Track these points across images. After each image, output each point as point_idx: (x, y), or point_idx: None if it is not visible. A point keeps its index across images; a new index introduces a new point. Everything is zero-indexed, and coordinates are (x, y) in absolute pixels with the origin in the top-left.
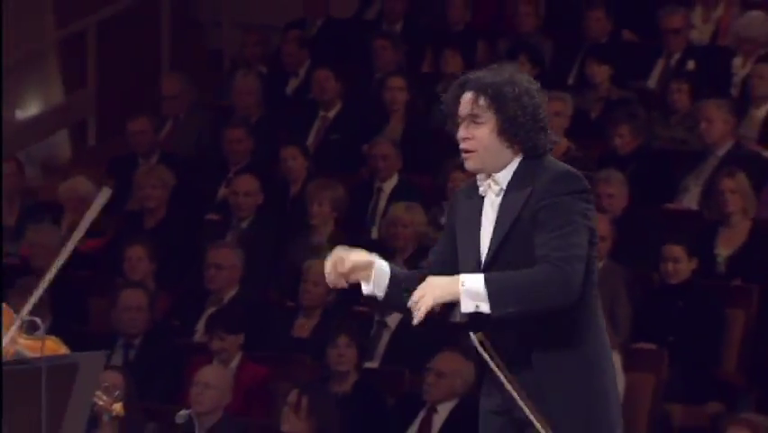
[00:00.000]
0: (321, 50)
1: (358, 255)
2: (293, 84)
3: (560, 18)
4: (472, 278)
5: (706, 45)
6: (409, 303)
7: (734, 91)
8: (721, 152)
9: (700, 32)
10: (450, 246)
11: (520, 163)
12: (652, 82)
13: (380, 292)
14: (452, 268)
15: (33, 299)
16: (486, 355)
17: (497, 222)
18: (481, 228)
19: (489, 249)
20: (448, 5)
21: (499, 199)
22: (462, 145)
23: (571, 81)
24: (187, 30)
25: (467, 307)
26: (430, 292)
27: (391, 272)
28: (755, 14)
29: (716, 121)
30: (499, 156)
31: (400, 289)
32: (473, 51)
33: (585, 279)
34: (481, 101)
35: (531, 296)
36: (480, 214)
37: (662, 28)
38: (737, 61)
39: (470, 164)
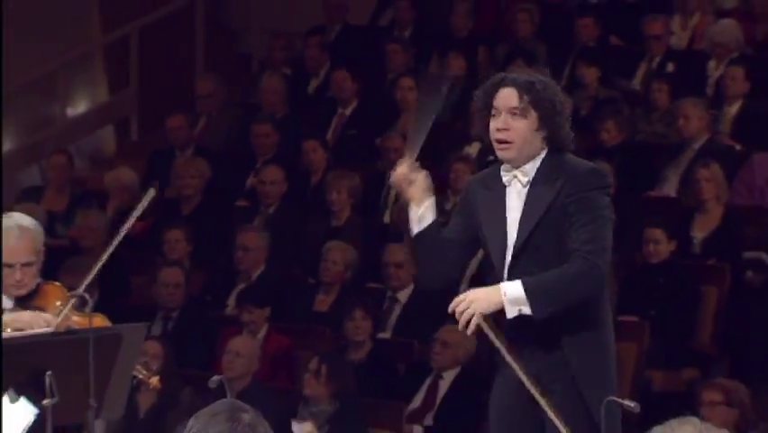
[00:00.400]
0: (339, 53)
1: (426, 183)
2: (314, 84)
3: (553, 25)
4: (512, 286)
5: (684, 49)
6: (450, 308)
7: (708, 91)
8: (697, 145)
9: (679, 38)
10: (462, 227)
11: (545, 157)
12: (635, 83)
13: (422, 225)
14: (461, 246)
15: (88, 280)
16: (491, 335)
17: (525, 210)
18: (507, 215)
19: (519, 235)
20: (453, 14)
21: (527, 189)
22: (499, 135)
23: (563, 82)
24: (220, 35)
25: (511, 313)
26: (475, 305)
27: (436, 220)
28: (727, 22)
29: (692, 117)
30: (531, 149)
31: (435, 236)
32: (475, 55)
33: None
34: (523, 97)
35: (567, 292)
36: (504, 203)
37: (644, 34)
38: (712, 64)
39: (506, 154)
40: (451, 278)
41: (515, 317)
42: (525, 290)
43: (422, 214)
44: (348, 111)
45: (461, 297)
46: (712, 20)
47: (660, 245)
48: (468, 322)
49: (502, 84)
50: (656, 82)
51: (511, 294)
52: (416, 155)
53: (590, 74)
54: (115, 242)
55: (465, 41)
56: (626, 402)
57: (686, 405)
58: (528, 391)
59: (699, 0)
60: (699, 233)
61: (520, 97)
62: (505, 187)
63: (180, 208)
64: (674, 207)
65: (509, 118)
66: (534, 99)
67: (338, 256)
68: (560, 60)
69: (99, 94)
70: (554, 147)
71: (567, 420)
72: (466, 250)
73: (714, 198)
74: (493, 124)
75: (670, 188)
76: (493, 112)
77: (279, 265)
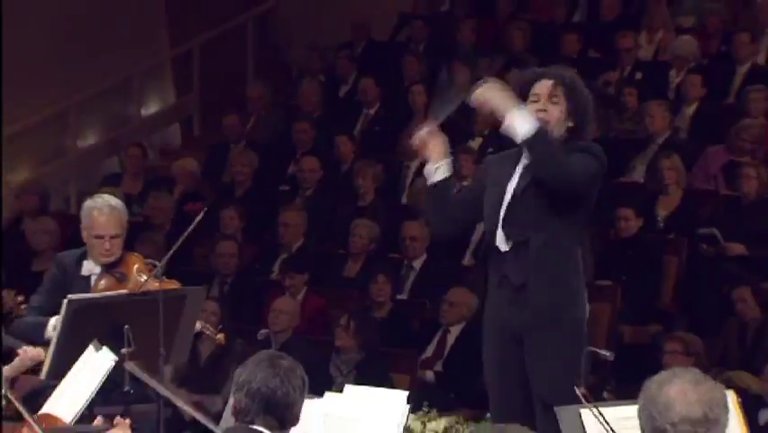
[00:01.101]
0: (365, 64)
1: (444, 144)
2: (344, 89)
3: (542, 40)
4: (523, 113)
5: (649, 60)
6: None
7: (670, 94)
8: (661, 139)
9: (646, 51)
10: (471, 191)
11: (568, 139)
12: (610, 88)
13: (437, 177)
14: (468, 204)
15: (170, 253)
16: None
17: (521, 178)
18: (509, 183)
19: (517, 186)
20: (459, 31)
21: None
22: (539, 116)
23: None
24: (266, 49)
25: (512, 120)
26: (490, 92)
27: (449, 176)
28: (686, 38)
29: (657, 116)
30: (558, 130)
31: (449, 189)
32: (477, 65)
33: (582, 225)
34: (559, 88)
35: (556, 161)
36: (512, 174)
37: (617, 47)
38: (673, 72)
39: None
40: (458, 228)
41: (499, 281)
42: (537, 130)
43: (437, 169)
44: (372, 111)
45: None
46: (673, 36)
47: (630, 222)
48: (480, 95)
49: (542, 76)
50: (627, 87)
51: (520, 113)
52: (437, 123)
53: None
54: (189, 229)
55: (469, 54)
56: (602, 351)
57: (651, 355)
58: (512, 341)
59: (662, 19)
60: (662, 212)
61: (556, 88)
62: (516, 164)
63: (234, 192)
64: (641, 191)
65: (548, 104)
66: (569, 91)
67: (364, 231)
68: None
69: (167, 97)
70: (576, 136)
71: (550, 363)
72: (472, 210)
73: (675, 183)
74: (533, 107)
75: (638, 175)
76: (534, 98)
77: (315, 239)
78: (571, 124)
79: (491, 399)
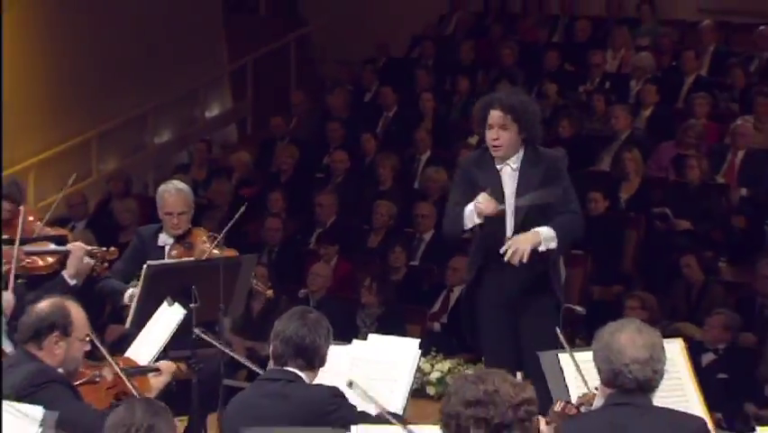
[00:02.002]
0: (384, 76)
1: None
2: (368, 96)
3: (527, 57)
4: (545, 229)
5: (614, 73)
6: (506, 254)
7: (631, 100)
8: (623, 136)
9: (611, 65)
10: (465, 197)
11: (525, 151)
12: (582, 95)
13: (472, 224)
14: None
15: (226, 228)
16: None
17: (519, 187)
18: (505, 189)
19: (521, 209)
20: (460, 50)
21: (517, 174)
22: (494, 143)
23: (534, 94)
24: (306, 64)
25: (544, 247)
26: (523, 246)
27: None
28: (644, 54)
29: (620, 118)
30: (514, 147)
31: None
32: (476, 77)
33: None
34: (508, 116)
35: (575, 231)
36: (501, 182)
37: (588, 63)
38: (633, 82)
39: (498, 153)
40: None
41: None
42: (556, 233)
43: (478, 222)
44: (390, 114)
45: (510, 243)
46: (633, 53)
47: (598, 203)
48: (521, 257)
49: (493, 105)
50: (596, 94)
51: (546, 235)
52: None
53: (552, 89)
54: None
55: (468, 68)
56: (577, 308)
57: (615, 310)
58: (505, 306)
59: (624, 39)
60: (624, 195)
61: (505, 116)
62: (498, 170)
63: (279, 178)
64: (608, 178)
65: (500, 131)
66: (516, 118)
67: (384, 210)
68: (532, 81)
69: (226, 103)
70: (531, 144)
71: (541, 317)
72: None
73: (634, 172)
74: (489, 135)
75: (605, 165)
76: (488, 126)
77: (345, 217)
78: (524, 136)
79: (485, 351)
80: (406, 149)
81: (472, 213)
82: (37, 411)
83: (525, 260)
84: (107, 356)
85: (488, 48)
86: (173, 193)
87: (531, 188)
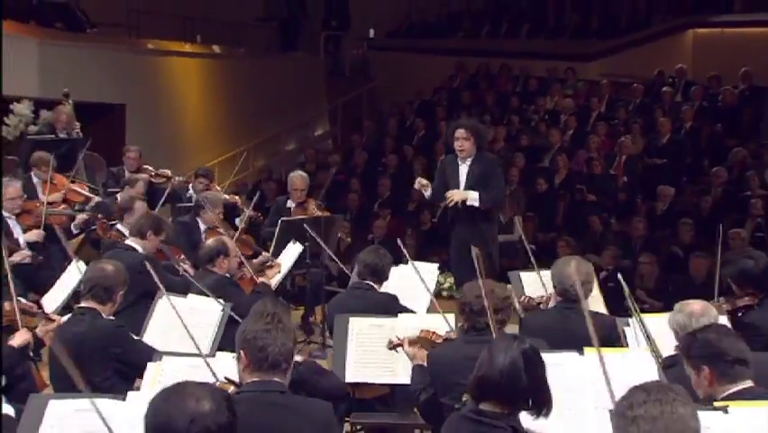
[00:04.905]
0: (418, 111)
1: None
2: (407, 123)
3: (501, 100)
4: (473, 193)
5: (552, 109)
6: (447, 195)
7: (561, 126)
8: (557, 147)
9: (550, 105)
10: (442, 181)
11: (476, 154)
12: (533, 122)
13: (428, 194)
14: (444, 188)
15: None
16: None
17: (468, 176)
18: (460, 178)
19: (466, 185)
20: (461, 96)
21: (467, 168)
22: (459, 149)
23: (504, 122)
24: (372, 104)
25: (471, 202)
26: (456, 196)
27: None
28: (568, 99)
29: (555, 136)
30: (471, 152)
31: (432, 195)
32: (471, 112)
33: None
34: (468, 132)
35: (491, 202)
36: (458, 172)
37: (537, 103)
38: (562, 116)
39: (462, 156)
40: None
41: (463, 210)
42: (479, 196)
43: (428, 195)
44: (421, 134)
45: (449, 193)
46: (562, 98)
47: (542, 185)
48: (455, 202)
49: (458, 127)
50: (541, 122)
51: (472, 195)
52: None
53: (515, 119)
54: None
55: (467, 107)
56: (529, 245)
57: (551, 248)
58: (466, 242)
59: (557, 90)
60: (557, 180)
61: (467, 133)
62: (458, 165)
63: (356, 170)
64: (548, 171)
65: (464, 142)
66: (474, 134)
67: (417, 194)
68: (503, 115)
69: (325, 126)
70: (481, 149)
71: (483, 245)
72: (444, 190)
73: (563, 167)
74: (456, 144)
75: (546, 163)
76: (455, 139)
77: (395, 193)
78: (477, 145)
79: (453, 261)
80: (430, 155)
81: (427, 188)
82: (213, 304)
83: (459, 205)
84: (246, 266)
85: (478, 94)
86: (297, 178)
87: (475, 176)
